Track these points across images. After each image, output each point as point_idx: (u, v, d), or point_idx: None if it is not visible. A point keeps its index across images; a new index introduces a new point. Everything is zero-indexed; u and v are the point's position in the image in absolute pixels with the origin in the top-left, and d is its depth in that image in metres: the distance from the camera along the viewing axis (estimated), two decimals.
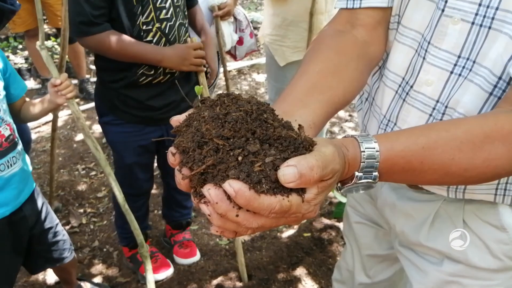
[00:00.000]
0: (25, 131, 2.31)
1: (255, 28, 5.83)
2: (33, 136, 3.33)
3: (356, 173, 0.59)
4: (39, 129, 3.48)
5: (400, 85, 0.87)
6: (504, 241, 0.85)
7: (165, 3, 1.62)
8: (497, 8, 0.70)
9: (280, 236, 2.45)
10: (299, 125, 0.56)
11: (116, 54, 1.60)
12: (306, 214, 0.53)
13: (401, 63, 0.86)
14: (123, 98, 1.75)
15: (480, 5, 0.71)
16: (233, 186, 0.47)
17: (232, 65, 4.67)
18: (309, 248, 2.34)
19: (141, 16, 1.59)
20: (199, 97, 0.58)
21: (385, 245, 1.13)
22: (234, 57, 2.68)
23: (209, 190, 0.49)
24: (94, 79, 4.35)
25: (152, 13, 1.60)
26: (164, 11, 1.63)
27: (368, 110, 1.00)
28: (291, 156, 0.50)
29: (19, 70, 4.26)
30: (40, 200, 1.59)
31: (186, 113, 0.56)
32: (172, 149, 0.54)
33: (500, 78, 0.71)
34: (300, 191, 0.51)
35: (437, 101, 0.80)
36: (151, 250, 2.19)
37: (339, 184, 0.62)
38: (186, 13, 1.81)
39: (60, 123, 3.43)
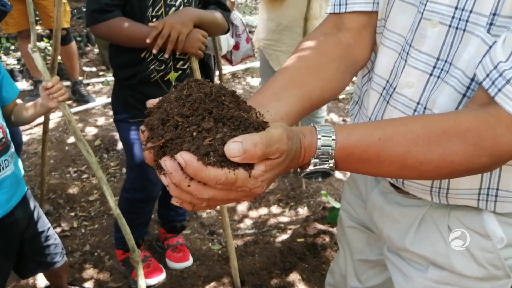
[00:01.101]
0: (16, 133, 2.28)
1: (250, 32, 5.85)
2: (25, 138, 3.29)
3: (312, 160, 0.63)
4: (30, 131, 3.45)
5: (384, 88, 0.89)
6: (488, 249, 0.85)
7: (175, 1, 1.67)
8: (470, 11, 0.72)
9: (273, 241, 2.44)
10: (250, 106, 0.61)
11: (125, 38, 1.64)
12: (253, 189, 0.56)
13: (385, 66, 0.88)
14: (137, 95, 1.78)
15: (456, 8, 0.74)
16: (183, 157, 0.52)
17: (226, 69, 4.67)
18: (302, 254, 2.33)
19: (150, 9, 1.65)
20: (173, 83, 0.63)
21: (376, 250, 1.13)
22: (230, 62, 2.68)
23: (165, 161, 0.54)
24: (86, 81, 4.33)
25: (162, 9, 1.66)
26: (173, 9, 1.67)
27: (358, 113, 1.03)
28: (240, 134, 0.55)
29: (11, 71, 4.22)
30: (31, 204, 1.58)
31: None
32: (142, 127, 0.60)
33: (472, 79, 0.73)
34: (247, 166, 0.55)
35: (418, 103, 0.82)
36: (144, 254, 2.18)
37: (298, 170, 0.66)
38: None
39: (52, 125, 3.40)
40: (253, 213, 2.69)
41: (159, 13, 1.66)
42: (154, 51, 1.63)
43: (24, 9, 3.32)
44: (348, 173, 1.20)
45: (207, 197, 0.55)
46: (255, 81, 4.59)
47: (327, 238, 2.43)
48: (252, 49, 2.68)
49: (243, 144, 0.53)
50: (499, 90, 0.64)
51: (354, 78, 1.01)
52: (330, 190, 2.88)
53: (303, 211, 2.71)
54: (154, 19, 1.66)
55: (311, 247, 2.38)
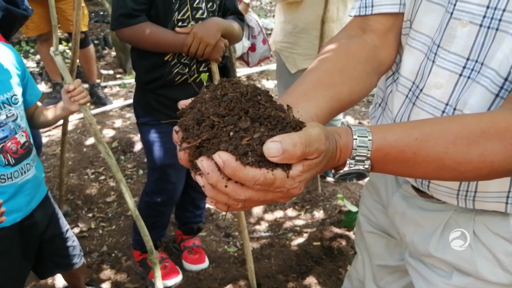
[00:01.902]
0: (36, 135, 2.32)
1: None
2: (44, 140, 3.35)
3: (348, 160, 0.62)
4: (49, 133, 3.51)
5: (410, 89, 0.88)
6: None
7: (201, 4, 1.70)
8: (504, 10, 0.70)
9: (289, 245, 2.43)
10: (287, 105, 0.60)
11: (151, 43, 1.67)
12: (290, 189, 0.56)
13: (411, 67, 0.87)
14: (160, 98, 1.80)
15: (488, 7, 0.72)
16: (222, 156, 0.52)
17: (242, 71, 4.68)
18: (318, 257, 2.32)
19: (176, 13, 1.67)
20: (205, 83, 0.63)
21: (396, 256, 1.12)
22: (247, 64, 2.68)
23: (202, 162, 0.54)
24: (104, 83, 4.38)
25: (189, 12, 1.68)
26: (200, 11, 1.70)
27: (381, 115, 1.02)
28: (278, 134, 0.54)
29: (30, 74, 4.30)
30: (51, 206, 1.60)
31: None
32: (176, 127, 0.59)
33: (506, 79, 0.71)
34: (285, 167, 0.54)
35: (447, 104, 0.80)
36: (161, 256, 2.19)
37: (333, 171, 0.64)
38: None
39: (70, 127, 3.45)
40: (269, 216, 2.69)
41: (185, 16, 1.68)
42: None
43: (43, 13, 3.40)
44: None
45: (243, 198, 0.55)
46: (270, 84, 4.59)
47: (343, 242, 2.41)
48: (269, 50, 2.68)
49: (282, 144, 0.52)
50: None
51: None
52: (346, 193, 2.86)
53: (319, 214, 2.69)
54: (180, 23, 1.68)
55: (328, 251, 2.36)
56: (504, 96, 0.72)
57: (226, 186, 0.54)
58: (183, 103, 0.61)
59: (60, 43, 4.96)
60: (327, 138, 0.57)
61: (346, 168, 0.62)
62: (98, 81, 4.10)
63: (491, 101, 0.73)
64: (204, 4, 1.71)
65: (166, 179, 1.95)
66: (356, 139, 0.61)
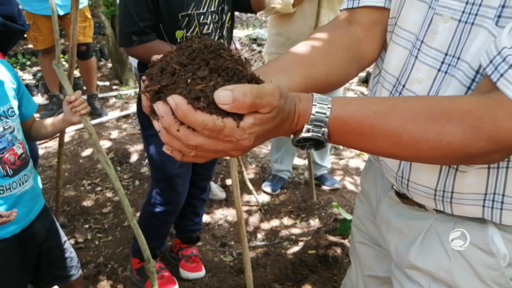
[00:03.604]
0: (32, 147, 2.34)
1: (259, 44, 5.92)
2: (40, 151, 3.36)
3: (306, 126, 0.62)
4: (45, 144, 3.52)
5: (394, 86, 0.89)
6: (493, 267, 0.82)
7: (207, 19, 1.74)
8: (480, 5, 0.72)
9: (285, 253, 2.45)
10: (245, 58, 0.61)
11: None
12: (240, 140, 0.57)
13: (396, 63, 0.89)
14: None
15: (467, 3, 0.74)
16: (174, 99, 0.54)
17: None
18: (314, 266, 2.34)
19: (185, 30, 1.70)
20: (178, 40, 0.66)
21: (385, 267, 1.11)
22: None
23: (158, 105, 0.56)
24: (100, 94, 4.41)
25: (197, 28, 1.72)
26: (206, 27, 1.74)
27: None
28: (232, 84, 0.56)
29: (27, 86, 4.32)
30: (49, 217, 1.61)
31: None
32: (143, 77, 0.61)
33: (477, 72, 0.72)
34: (236, 117, 0.56)
35: None
36: (159, 265, 2.20)
37: (292, 136, 0.65)
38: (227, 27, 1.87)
39: (66, 138, 3.47)
40: (265, 225, 2.71)
41: (194, 33, 1.72)
42: None
43: (51, 27, 3.45)
44: (360, 186, 1.20)
45: (194, 144, 0.56)
46: None
47: (338, 250, 2.43)
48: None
49: (233, 93, 0.53)
50: (501, 75, 0.64)
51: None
52: (341, 201, 2.88)
53: (314, 222, 2.71)
54: None
55: (323, 259, 2.38)
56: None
57: (178, 131, 0.56)
58: (155, 57, 0.64)
59: (65, 54, 4.95)
60: (283, 96, 0.58)
61: (303, 134, 0.63)
62: (96, 92, 4.13)
63: (463, 93, 0.74)
64: (209, 18, 1.74)
65: (173, 189, 1.97)
66: (315, 105, 0.62)
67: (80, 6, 3.19)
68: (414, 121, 0.64)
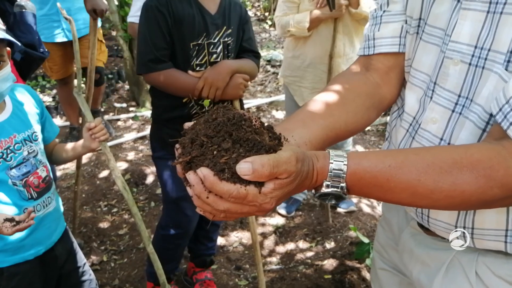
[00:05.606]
0: (51, 169, 2.38)
1: (273, 66, 5.99)
2: (58, 173, 3.42)
3: (325, 182, 0.68)
4: (63, 166, 3.57)
5: (411, 124, 0.92)
6: None
7: (216, 49, 1.80)
8: (489, 49, 0.75)
9: (300, 278, 2.42)
10: (265, 126, 0.68)
11: (176, 87, 1.76)
12: (263, 204, 0.64)
13: (412, 103, 0.92)
14: (176, 134, 1.84)
15: (475, 47, 0.77)
16: (202, 171, 0.61)
17: (252, 102, 4.77)
18: None
19: (195, 59, 1.77)
20: (206, 109, 0.71)
21: None
22: None
23: (189, 175, 0.63)
24: (117, 116, 4.47)
25: (206, 57, 1.78)
26: (214, 55, 1.80)
27: (387, 148, 1.06)
28: (253, 155, 0.62)
29: (47, 108, 4.40)
30: (70, 240, 1.63)
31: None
32: (177, 145, 0.69)
33: (491, 115, 0.74)
34: (258, 184, 0.62)
35: (441, 139, 0.84)
36: None
37: (313, 191, 0.71)
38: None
39: (84, 160, 3.52)
40: (280, 248, 2.69)
41: (203, 61, 1.78)
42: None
43: (64, 55, 3.50)
44: (381, 212, 1.19)
45: (223, 209, 0.63)
46: (279, 114, 4.66)
47: (354, 275, 2.39)
48: None
49: (253, 165, 0.60)
50: (511, 124, 0.67)
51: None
52: (357, 224, 2.85)
53: (330, 246, 2.68)
54: (198, 67, 1.77)
55: (339, 284, 2.34)
56: None
57: (207, 197, 0.62)
58: (186, 125, 0.71)
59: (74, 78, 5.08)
60: (300, 160, 0.64)
61: (323, 189, 0.68)
62: (99, 108, 4.14)
63: (479, 135, 0.76)
64: (220, 48, 1.80)
65: (181, 212, 1.98)
66: (332, 162, 0.67)
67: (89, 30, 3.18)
68: (427, 173, 0.67)
